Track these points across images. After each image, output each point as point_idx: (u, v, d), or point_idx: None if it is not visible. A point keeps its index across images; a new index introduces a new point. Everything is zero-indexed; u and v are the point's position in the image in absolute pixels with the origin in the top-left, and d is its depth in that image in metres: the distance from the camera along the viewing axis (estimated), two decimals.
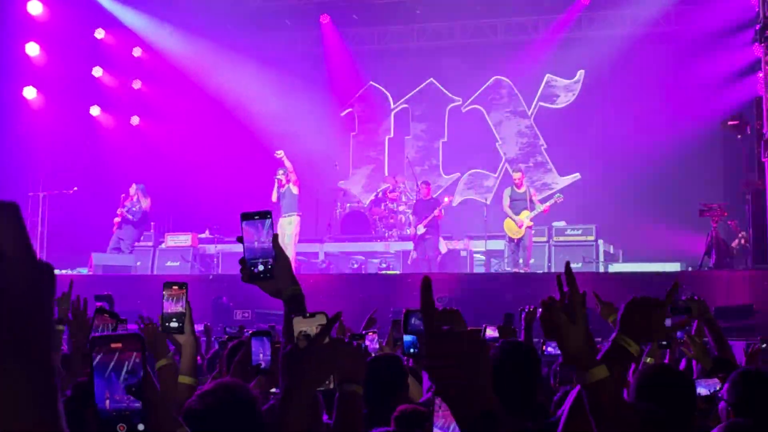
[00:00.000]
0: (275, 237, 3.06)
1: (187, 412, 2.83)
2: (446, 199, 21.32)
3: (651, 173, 21.58)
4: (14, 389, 1.15)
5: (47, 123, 22.14)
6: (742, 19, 20.66)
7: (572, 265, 10.81)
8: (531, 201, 18.85)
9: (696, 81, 21.94)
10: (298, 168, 20.14)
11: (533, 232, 19.43)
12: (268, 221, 3.08)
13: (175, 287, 3.97)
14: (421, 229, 19.54)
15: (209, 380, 6.21)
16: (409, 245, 20.02)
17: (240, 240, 3.06)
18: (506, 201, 19.04)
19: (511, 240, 19.03)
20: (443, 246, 20.16)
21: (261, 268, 3.05)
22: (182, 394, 3.89)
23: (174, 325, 3.94)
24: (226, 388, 2.83)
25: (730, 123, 20.07)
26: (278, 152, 19.27)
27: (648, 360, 6.42)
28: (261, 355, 4.41)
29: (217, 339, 8.40)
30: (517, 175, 19.25)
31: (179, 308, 3.95)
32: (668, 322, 6.42)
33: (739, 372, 4.60)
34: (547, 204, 19.02)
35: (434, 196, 21.43)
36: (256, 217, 3.08)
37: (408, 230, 20.61)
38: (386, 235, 21.20)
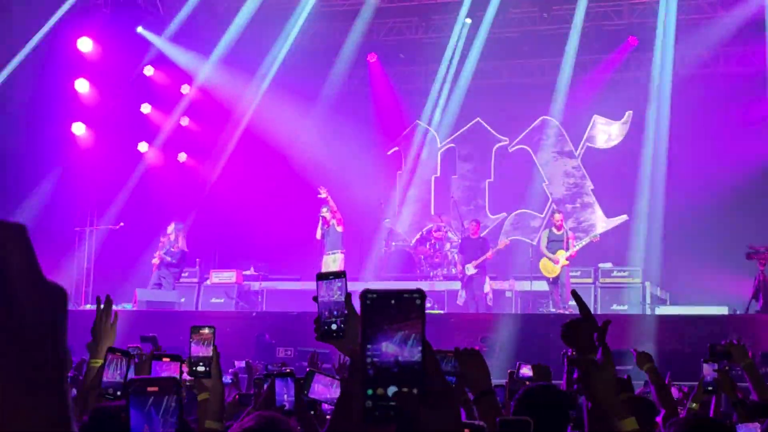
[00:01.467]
0: (348, 297, 3.11)
1: None
2: (507, 240, 21.26)
3: (699, 215, 21.35)
4: (27, 419, 1.11)
5: (95, 159, 22.31)
6: None
7: (618, 308, 10.80)
8: (567, 242, 18.80)
9: (744, 122, 21.79)
10: (344, 206, 20.17)
11: (576, 272, 19.36)
12: (342, 282, 3.14)
13: (204, 330, 3.95)
14: (471, 270, 19.49)
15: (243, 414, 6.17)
16: (455, 285, 19.93)
17: (315, 299, 3.14)
18: (544, 242, 19.10)
19: (549, 281, 18.97)
20: (488, 285, 20.07)
21: (334, 327, 3.11)
22: None
23: (201, 369, 3.90)
24: (267, 420, 2.79)
25: None
26: (321, 190, 19.32)
27: (693, 406, 6.29)
28: (285, 396, 4.40)
29: (256, 379, 8.35)
30: (557, 217, 19.23)
31: (207, 352, 3.92)
32: (708, 369, 6.33)
33: None
34: (585, 241, 18.99)
35: (482, 235, 21.35)
36: (331, 277, 3.15)
37: (453, 269, 20.51)
38: (431, 274, 21.11)
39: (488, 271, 20.45)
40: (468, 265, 19.60)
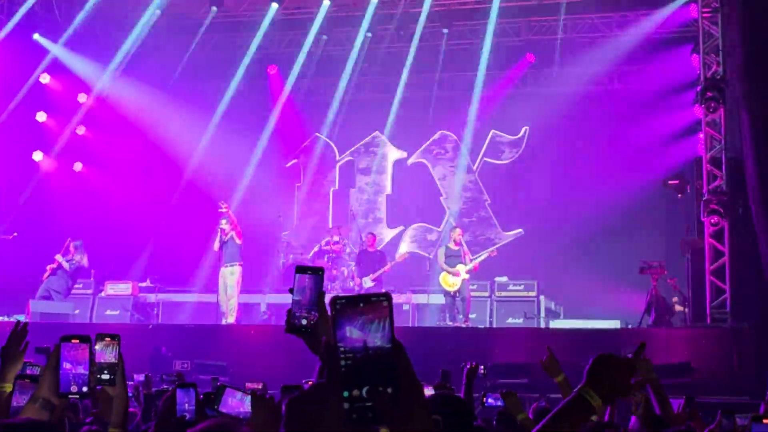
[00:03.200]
0: (322, 295, 3.11)
1: None
2: (406, 253, 21.41)
3: (593, 230, 21.72)
4: None
5: None
6: (683, 80, 21.07)
7: (514, 321, 10.92)
8: (465, 257, 19.01)
9: (638, 140, 22.23)
10: (242, 218, 20.11)
11: (473, 286, 19.57)
12: (319, 278, 3.13)
13: (108, 338, 3.89)
14: (368, 282, 19.63)
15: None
16: None
17: (291, 291, 3.11)
18: (441, 258, 19.28)
19: (448, 294, 19.12)
20: None
21: (304, 322, 3.09)
22: None
23: (106, 377, 3.85)
24: (221, 424, 2.79)
25: (670, 182, 20.41)
26: (222, 205, 19.25)
27: (593, 418, 6.42)
28: (186, 406, 4.38)
29: (154, 391, 8.29)
30: (455, 233, 19.42)
31: (112, 359, 3.87)
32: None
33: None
34: (483, 256, 19.20)
35: (378, 248, 21.45)
36: (309, 272, 3.14)
37: (351, 282, 20.55)
38: (328, 287, 21.11)
39: (385, 284, 20.54)
40: (365, 278, 19.72)
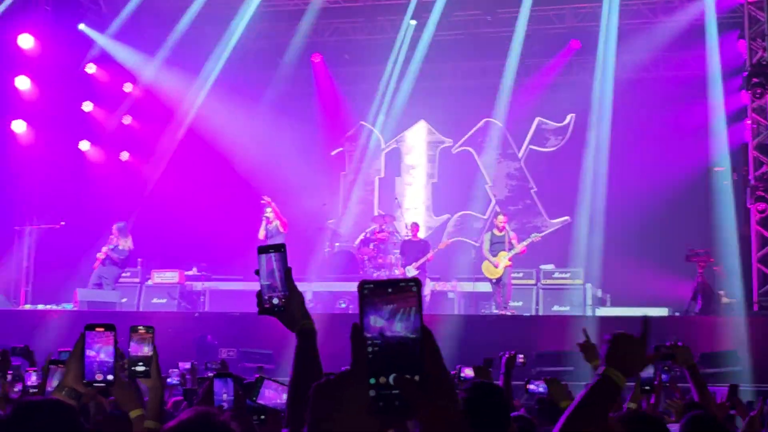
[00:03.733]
0: (288, 271, 3.13)
1: None
2: (448, 241, 21.35)
3: (640, 217, 21.54)
4: None
5: (36, 157, 22.06)
6: (730, 66, 20.80)
7: (560, 309, 10.87)
8: (510, 243, 18.92)
9: (685, 126, 22.01)
10: (287, 207, 20.15)
11: (518, 273, 19.51)
12: (282, 255, 3.15)
13: (142, 330, 3.89)
14: (411, 271, 19.64)
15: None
16: None
17: (257, 273, 3.13)
18: (486, 245, 19.18)
19: (491, 281, 19.06)
20: (428, 287, 20.15)
21: (276, 301, 3.13)
22: None
23: (140, 369, 3.84)
24: (203, 414, 2.79)
25: (716, 169, 20.18)
26: (264, 198, 19.30)
27: (631, 405, 6.37)
28: (224, 396, 4.38)
29: (199, 378, 8.32)
30: (500, 219, 19.32)
31: (146, 352, 3.87)
32: (649, 369, 6.40)
33: (690, 415, 4.58)
34: (524, 244, 19.06)
35: (424, 237, 21.43)
36: (271, 251, 3.17)
37: (396, 271, 20.54)
38: (374, 275, 21.10)
39: (429, 273, 20.52)
40: (409, 267, 19.75)
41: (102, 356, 3.48)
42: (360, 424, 1.77)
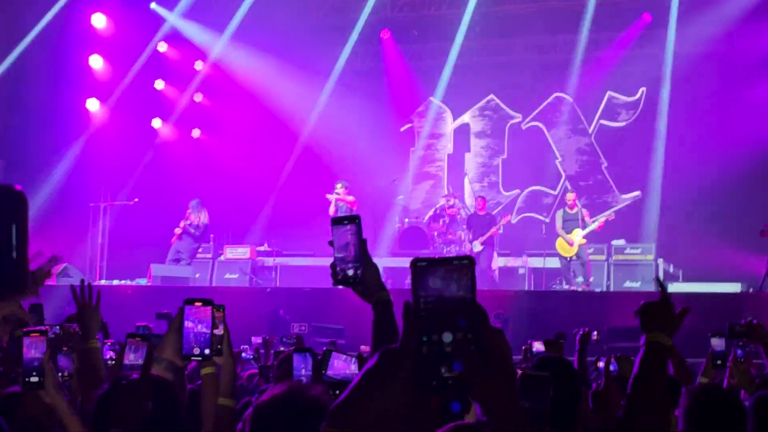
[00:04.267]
0: (364, 242, 3.15)
1: (258, 407, 2.80)
2: (508, 217, 21.25)
3: (712, 192, 21.27)
4: None
5: (109, 135, 22.36)
6: None
7: (631, 285, 10.84)
8: (583, 220, 18.81)
9: (759, 100, 21.67)
10: (357, 183, 20.21)
11: (591, 249, 19.37)
12: (356, 226, 3.16)
13: (214, 309, 3.92)
14: (478, 246, 19.61)
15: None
16: None
17: (331, 244, 3.15)
18: (558, 222, 19.09)
19: (563, 258, 18.97)
20: (496, 261, 20.08)
21: (350, 272, 3.15)
22: (222, 416, 3.85)
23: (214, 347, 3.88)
24: (296, 388, 2.82)
25: None
26: (339, 185, 19.30)
27: (703, 380, 6.35)
28: (303, 371, 4.41)
29: (276, 351, 8.39)
30: (570, 196, 19.21)
31: (218, 331, 3.90)
32: (721, 343, 6.37)
33: (761, 394, 4.54)
34: (600, 221, 18.92)
35: (492, 212, 21.38)
36: (345, 222, 3.17)
37: (466, 246, 20.52)
38: (445, 251, 21.11)
39: (499, 248, 20.51)
40: (475, 243, 19.74)
41: (201, 331, 3.53)
42: (399, 397, 1.77)
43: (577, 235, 18.68)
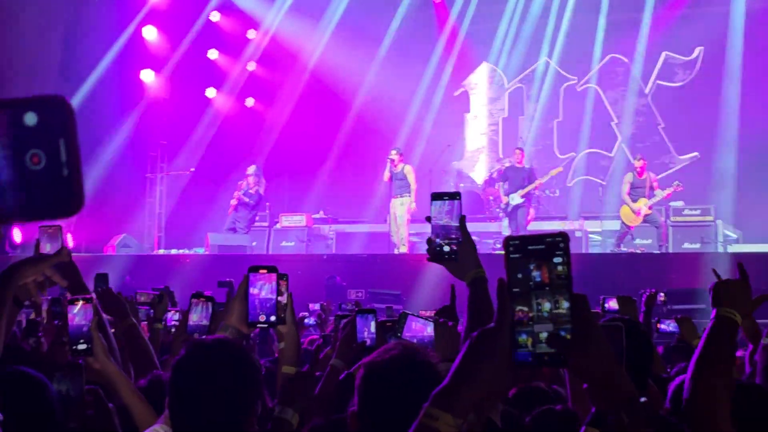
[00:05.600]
0: (463, 218, 3.11)
1: (370, 366, 2.78)
2: (559, 168, 20.91)
3: None
4: None
5: (164, 105, 22.50)
6: None
7: (690, 246, 10.62)
8: (651, 188, 18.58)
9: None
10: (411, 149, 20.15)
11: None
12: (456, 202, 3.12)
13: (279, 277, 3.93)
14: (517, 199, 19.33)
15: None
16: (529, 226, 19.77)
17: (428, 219, 3.12)
18: (625, 187, 18.79)
19: (625, 226, 18.76)
20: (531, 216, 19.67)
21: (447, 249, 3.11)
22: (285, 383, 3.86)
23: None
24: (409, 348, 2.81)
25: None
26: (393, 152, 19.16)
27: (766, 341, 6.24)
28: (366, 333, 4.42)
29: (336, 315, 8.44)
30: (638, 163, 18.92)
31: (282, 298, 3.91)
32: None
33: None
34: (668, 191, 18.67)
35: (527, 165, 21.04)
36: (446, 198, 3.13)
37: (503, 200, 20.09)
38: (500, 215, 21.01)
39: (558, 211, 20.36)
40: (513, 195, 19.35)
41: (264, 295, 3.53)
42: (500, 376, 1.78)
43: (644, 205, 18.46)
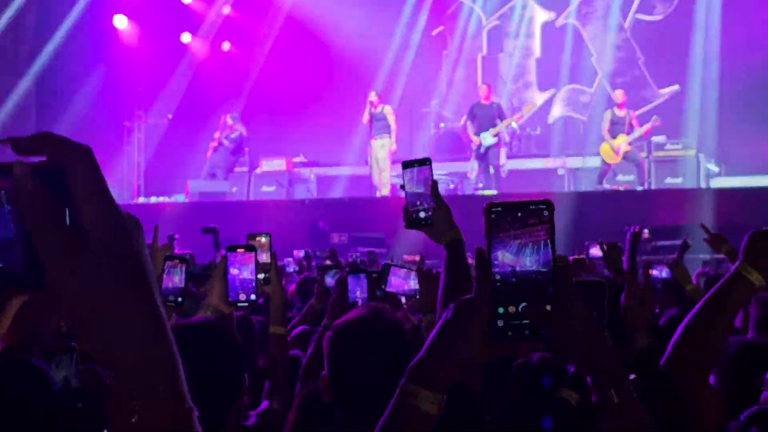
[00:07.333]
0: (435, 184, 3.17)
1: (337, 327, 2.76)
2: (534, 105, 20.67)
3: (754, 83, 20.93)
4: (132, 332, 1.13)
5: (139, 51, 22.26)
6: None
7: (672, 181, 10.55)
8: (630, 125, 18.49)
9: None
10: (390, 89, 20.02)
11: (643, 154, 19.08)
12: (427, 168, 3.17)
13: (260, 238, 3.93)
14: (489, 139, 18.92)
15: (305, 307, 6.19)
16: (508, 164, 19.67)
17: (402, 187, 3.18)
18: (605, 124, 18.71)
19: (605, 164, 18.70)
20: (503, 157, 19.46)
21: (422, 215, 3.17)
22: (273, 342, 3.89)
23: (260, 276, 3.87)
24: (377, 309, 2.79)
25: None
26: (372, 93, 19.01)
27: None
28: (358, 293, 4.40)
29: (317, 265, 8.40)
30: (618, 94, 18.84)
31: (265, 258, 3.90)
32: None
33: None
34: (646, 126, 18.59)
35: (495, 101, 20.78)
36: (416, 165, 3.19)
37: (474, 141, 19.86)
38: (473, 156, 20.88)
39: (539, 149, 20.27)
40: (485, 134, 18.91)
41: (244, 275, 3.56)
42: (478, 349, 1.72)
43: (623, 142, 18.37)
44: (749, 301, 2.76)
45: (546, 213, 1.67)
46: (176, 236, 11.10)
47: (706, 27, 22.23)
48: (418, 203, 3.15)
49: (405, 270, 4.56)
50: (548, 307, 1.66)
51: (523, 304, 1.66)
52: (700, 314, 2.65)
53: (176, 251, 10.89)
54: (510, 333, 1.67)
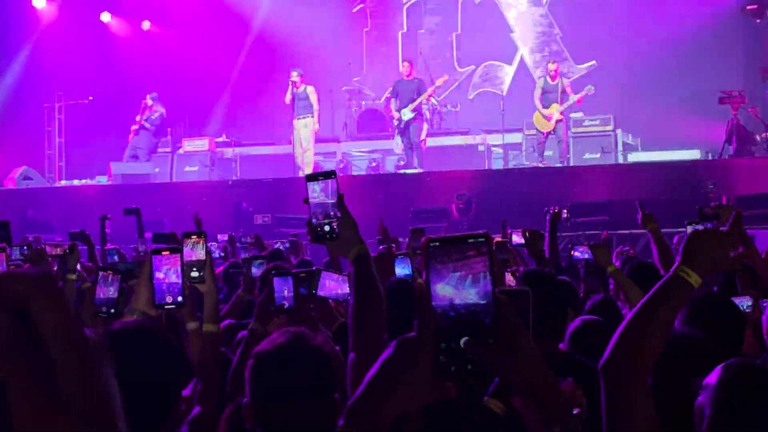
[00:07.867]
0: (340, 197, 3.13)
1: (258, 356, 2.81)
2: (444, 77, 20.64)
3: (669, 59, 21.29)
4: None
5: (58, 32, 22.01)
6: None
7: (590, 157, 10.85)
8: (564, 93, 18.65)
9: None
10: (312, 67, 20.03)
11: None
12: (331, 181, 3.13)
13: (195, 236, 3.93)
14: (408, 114, 18.95)
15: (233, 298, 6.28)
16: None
17: (306, 201, 3.12)
18: (537, 92, 18.82)
19: (540, 134, 18.84)
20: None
21: (327, 228, 3.12)
22: (206, 341, 3.89)
23: (195, 274, 3.89)
24: (297, 335, 2.82)
25: (749, 8, 19.81)
26: (294, 73, 18.96)
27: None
28: (285, 293, 4.44)
29: (243, 259, 8.43)
30: (552, 66, 18.99)
31: (200, 256, 3.91)
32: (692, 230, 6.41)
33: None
34: (580, 95, 18.75)
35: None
36: (321, 178, 3.14)
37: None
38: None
39: (459, 125, 20.41)
40: (404, 110, 18.96)
41: (170, 278, 3.53)
42: (420, 390, 1.67)
43: (555, 110, 18.54)
44: (684, 300, 2.73)
45: (485, 246, 1.66)
46: (108, 216, 11.09)
47: (620, 3, 22.53)
48: (323, 217, 3.13)
49: (337, 275, 4.64)
50: (491, 341, 1.64)
51: (465, 338, 1.63)
52: (638, 317, 2.55)
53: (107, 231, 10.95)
54: (453, 369, 1.64)
